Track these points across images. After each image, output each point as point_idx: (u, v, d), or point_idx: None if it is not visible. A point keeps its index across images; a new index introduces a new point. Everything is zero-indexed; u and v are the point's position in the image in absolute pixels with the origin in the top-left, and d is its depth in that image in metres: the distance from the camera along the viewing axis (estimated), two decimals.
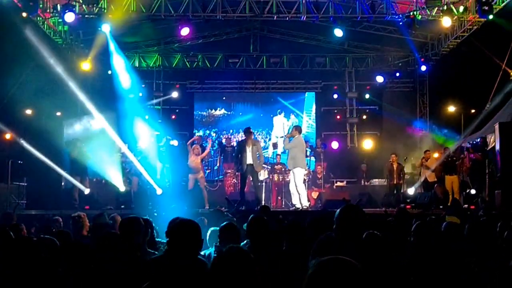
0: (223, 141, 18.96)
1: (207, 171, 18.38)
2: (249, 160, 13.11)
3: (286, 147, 13.26)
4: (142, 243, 4.77)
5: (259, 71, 20.16)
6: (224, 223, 5.33)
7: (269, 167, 16.76)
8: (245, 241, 5.22)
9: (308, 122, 21.15)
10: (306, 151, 15.04)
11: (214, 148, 19.59)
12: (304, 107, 21.26)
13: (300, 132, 13.49)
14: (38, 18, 14.81)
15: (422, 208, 13.03)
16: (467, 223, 5.31)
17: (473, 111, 17.16)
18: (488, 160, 14.25)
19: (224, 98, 21.26)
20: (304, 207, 12.92)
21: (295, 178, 13.03)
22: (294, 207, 13.20)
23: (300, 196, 13.03)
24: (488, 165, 14.17)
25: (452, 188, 14.65)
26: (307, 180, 15.88)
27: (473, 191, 13.92)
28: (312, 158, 16.96)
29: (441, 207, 13.31)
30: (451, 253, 4.62)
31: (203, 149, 15.15)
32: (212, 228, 5.96)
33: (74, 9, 14.21)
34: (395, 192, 16.03)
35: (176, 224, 3.79)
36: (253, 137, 13.71)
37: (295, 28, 18.34)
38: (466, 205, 13.65)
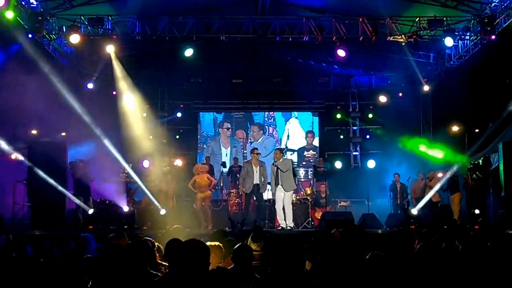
0: (227, 161, 18.99)
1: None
2: (255, 180, 13.31)
3: (285, 170, 13.27)
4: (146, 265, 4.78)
5: (263, 91, 20.25)
6: (238, 245, 5.36)
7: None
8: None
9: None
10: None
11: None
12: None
13: (283, 154, 13.72)
14: (44, 39, 14.96)
15: (426, 228, 12.97)
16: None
17: (476, 130, 17.15)
18: (492, 179, 14.22)
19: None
20: (289, 228, 13.12)
21: (285, 199, 13.18)
22: (280, 227, 13.34)
23: (288, 216, 13.24)
24: (491, 184, 14.14)
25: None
26: (310, 200, 15.87)
27: (477, 211, 13.87)
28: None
29: (445, 227, 13.24)
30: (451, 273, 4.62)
31: None
32: (208, 243, 5.95)
33: (79, 30, 14.37)
34: (399, 212, 16.00)
35: (178, 245, 3.79)
36: (259, 158, 13.85)
37: (298, 49, 18.45)
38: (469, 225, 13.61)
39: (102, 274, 4.52)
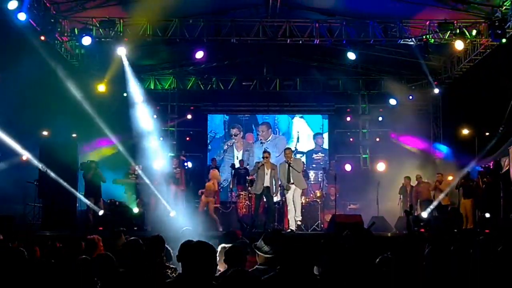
0: (236, 163, 19.00)
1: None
2: (266, 182, 13.31)
3: (299, 171, 13.39)
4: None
5: (272, 94, 20.27)
6: (229, 245, 5.39)
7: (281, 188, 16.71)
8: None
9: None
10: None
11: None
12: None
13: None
14: (56, 41, 15.07)
15: (435, 232, 12.92)
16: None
17: (487, 134, 17.08)
18: (502, 183, 14.16)
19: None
20: (298, 222, 13.28)
21: (295, 196, 13.25)
22: (289, 230, 13.31)
23: (297, 210, 13.33)
24: (502, 188, 14.08)
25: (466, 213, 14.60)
26: (320, 202, 15.84)
27: (487, 215, 13.82)
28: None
29: (455, 230, 13.21)
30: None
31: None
32: (222, 245, 5.99)
33: (91, 32, 14.47)
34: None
35: (191, 247, 3.83)
36: (270, 160, 13.86)
37: (308, 51, 18.46)
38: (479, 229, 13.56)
39: (114, 275, 4.56)
